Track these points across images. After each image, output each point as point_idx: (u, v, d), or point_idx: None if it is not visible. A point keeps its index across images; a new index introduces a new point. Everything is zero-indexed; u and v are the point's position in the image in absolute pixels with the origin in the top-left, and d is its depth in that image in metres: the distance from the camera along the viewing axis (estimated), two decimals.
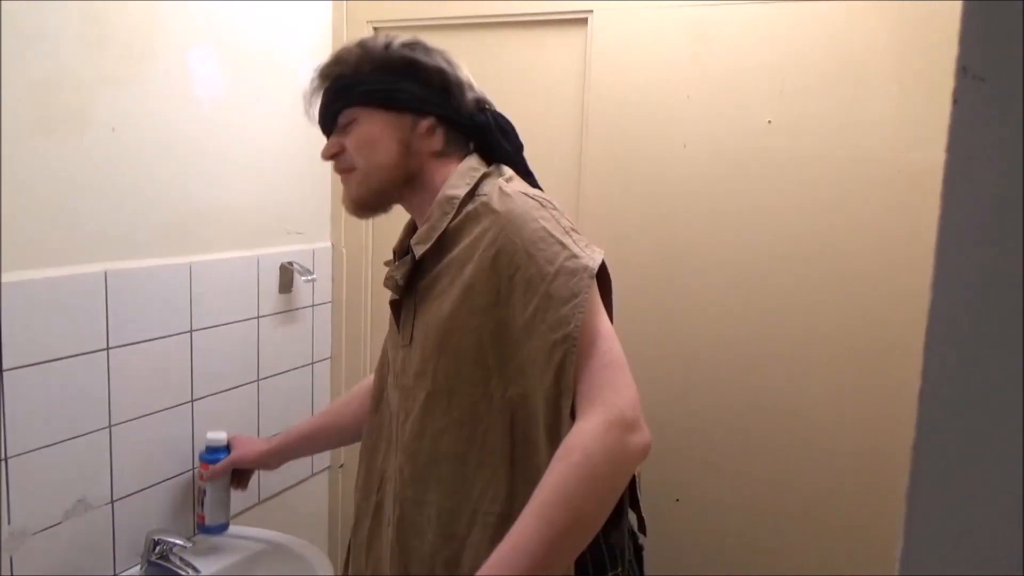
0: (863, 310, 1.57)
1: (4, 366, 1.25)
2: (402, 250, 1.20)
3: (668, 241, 1.71)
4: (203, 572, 1.48)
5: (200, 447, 1.62)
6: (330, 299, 2.02)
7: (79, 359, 1.37)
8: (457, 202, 1.07)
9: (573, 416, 0.96)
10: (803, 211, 1.60)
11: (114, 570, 1.47)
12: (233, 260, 1.70)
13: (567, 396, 0.95)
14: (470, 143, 1.15)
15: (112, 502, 1.45)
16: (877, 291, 1.56)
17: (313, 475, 2.00)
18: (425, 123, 1.10)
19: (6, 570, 1.28)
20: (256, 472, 1.64)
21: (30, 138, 1.28)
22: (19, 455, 1.28)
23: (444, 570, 1.06)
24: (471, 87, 1.15)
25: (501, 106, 1.84)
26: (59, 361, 1.33)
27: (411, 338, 1.11)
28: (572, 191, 1.78)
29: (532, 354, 0.98)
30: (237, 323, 1.72)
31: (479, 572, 0.87)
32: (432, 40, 1.96)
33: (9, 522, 1.27)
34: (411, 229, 1.19)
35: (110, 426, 1.43)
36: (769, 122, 1.60)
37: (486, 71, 1.86)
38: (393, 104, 1.09)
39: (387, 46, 1.10)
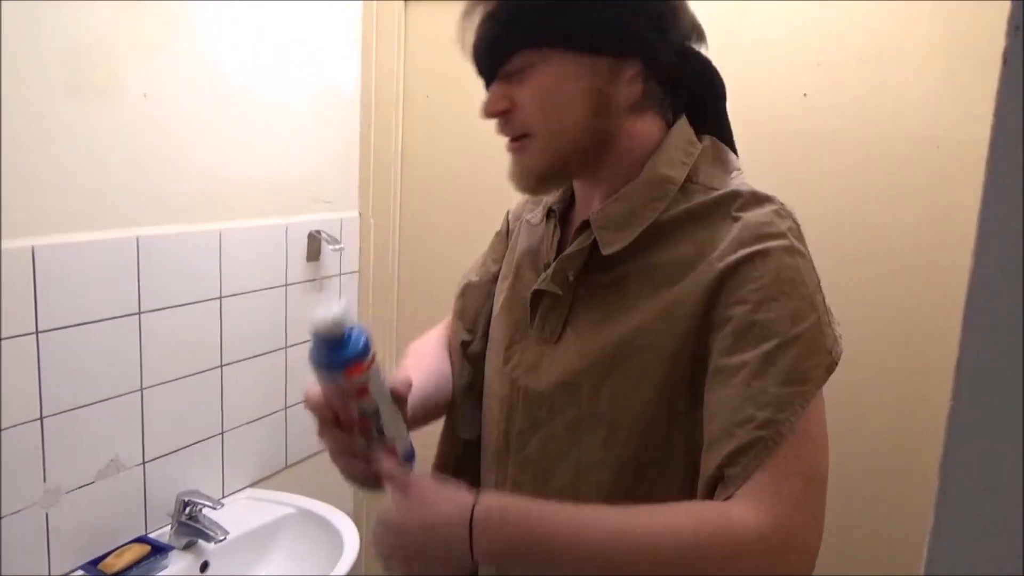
0: (900, 288, 1.54)
1: (39, 328, 1.27)
2: (561, 216, 0.92)
3: None
4: (231, 533, 1.51)
5: (230, 413, 1.65)
6: (357, 268, 2.03)
7: (112, 323, 1.39)
8: (674, 188, 0.81)
9: None
10: (839, 186, 1.57)
11: (145, 529, 1.50)
12: (262, 228, 1.71)
13: (728, 487, 0.71)
14: (671, 95, 0.85)
15: (144, 463, 1.49)
16: (914, 269, 1.53)
17: None
18: (628, 68, 0.79)
19: (42, 526, 1.31)
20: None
21: (63, 104, 1.29)
22: (54, 415, 1.31)
23: None
24: (685, 11, 0.84)
25: None
26: (92, 324, 1.35)
27: (560, 336, 0.85)
28: None
29: (714, 409, 0.74)
30: (265, 290, 1.73)
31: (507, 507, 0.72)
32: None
33: (45, 480, 1.31)
34: (571, 191, 0.93)
35: (142, 389, 1.46)
36: (805, 95, 1.57)
37: None
38: (588, 44, 0.78)
39: None
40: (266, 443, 1.78)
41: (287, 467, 1.86)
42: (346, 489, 2.10)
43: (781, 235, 0.76)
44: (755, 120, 1.61)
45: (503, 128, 0.84)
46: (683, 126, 0.85)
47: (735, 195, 0.80)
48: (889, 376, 1.56)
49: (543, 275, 0.87)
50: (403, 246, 2.03)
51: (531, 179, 0.84)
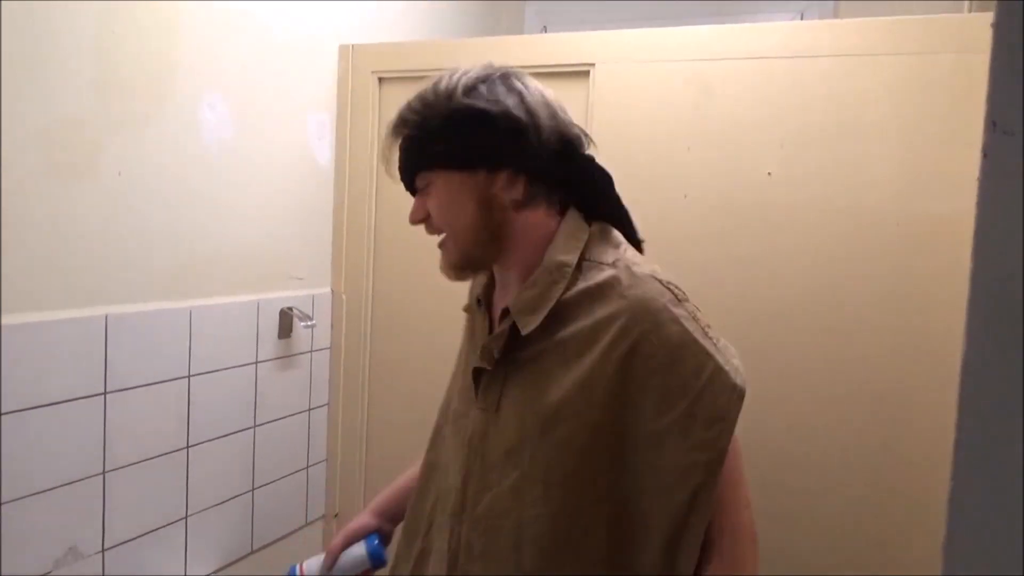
0: (862, 359, 1.57)
1: (1, 410, 1.23)
2: (487, 301, 1.10)
3: None
4: None
5: (195, 495, 1.60)
6: (329, 345, 2.01)
7: (76, 403, 1.35)
8: (569, 270, 0.97)
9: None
10: (803, 262, 1.61)
11: None
12: (233, 305, 1.69)
13: (701, 515, 0.92)
14: (559, 190, 1.03)
15: (103, 551, 1.42)
16: (876, 342, 1.56)
17: (307, 524, 1.97)
18: (502, 176, 0.99)
19: None
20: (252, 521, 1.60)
21: (37, 181, 1.28)
22: (11, 501, 1.26)
23: None
24: (555, 118, 1.01)
25: None
26: (56, 405, 1.32)
27: (498, 407, 1.01)
28: None
29: (662, 466, 0.93)
30: (236, 368, 1.70)
31: None
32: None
33: None
34: (492, 279, 1.11)
35: (104, 472, 1.41)
36: (769, 174, 1.62)
37: None
38: (465, 163, 0.99)
39: (449, 96, 0.99)
40: (232, 527, 1.72)
41: (253, 552, 1.79)
42: None
43: (663, 308, 0.93)
44: (722, 198, 1.66)
45: (427, 230, 1.05)
46: (572, 218, 1.03)
47: (617, 278, 0.96)
48: (856, 442, 1.57)
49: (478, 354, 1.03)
50: (375, 323, 2.02)
51: (452, 270, 1.04)
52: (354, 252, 2.01)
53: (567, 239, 1.00)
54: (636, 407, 0.93)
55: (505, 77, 1.01)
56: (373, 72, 1.97)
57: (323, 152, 1.96)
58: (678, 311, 0.94)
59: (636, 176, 1.72)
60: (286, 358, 1.86)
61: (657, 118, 1.70)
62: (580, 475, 0.95)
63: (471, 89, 0.99)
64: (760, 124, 1.62)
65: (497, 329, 1.01)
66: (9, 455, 1.25)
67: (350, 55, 1.98)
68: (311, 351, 1.94)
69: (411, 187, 1.06)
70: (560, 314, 0.96)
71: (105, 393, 1.40)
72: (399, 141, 1.03)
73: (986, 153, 0.25)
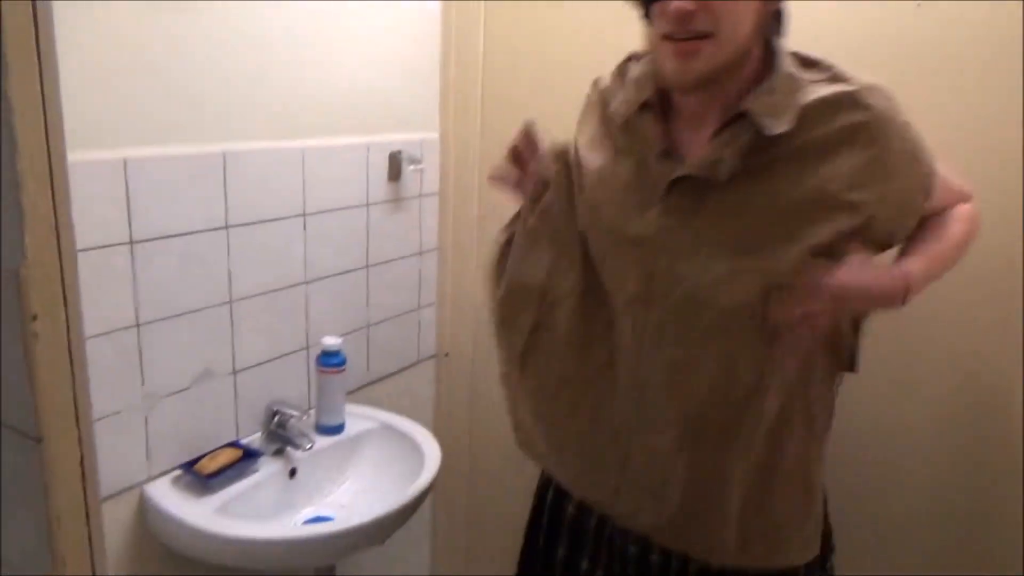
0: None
1: (133, 238, 1.32)
2: (650, 105, 1.08)
3: None
4: (317, 443, 1.57)
5: (314, 327, 1.69)
6: (437, 190, 2.02)
7: (201, 235, 1.42)
8: (803, 82, 1.02)
9: None
10: (956, 105, 1.44)
11: (236, 435, 1.57)
12: (343, 146, 1.71)
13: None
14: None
15: (234, 372, 1.54)
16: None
17: (419, 361, 2.06)
18: (772, 8, 1.02)
19: (141, 427, 1.39)
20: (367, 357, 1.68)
21: (147, 14, 1.29)
22: (149, 323, 1.36)
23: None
24: None
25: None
26: (182, 236, 1.39)
27: (697, 210, 1.03)
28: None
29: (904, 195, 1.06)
30: (347, 209, 1.74)
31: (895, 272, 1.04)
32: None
33: (143, 383, 1.37)
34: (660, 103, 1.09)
35: (231, 301, 1.50)
36: (918, 5, 1.43)
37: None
38: None
39: None
40: (350, 358, 1.80)
41: (370, 383, 1.90)
42: (426, 407, 2.15)
43: (900, 121, 1.04)
44: (865, 31, 1.49)
45: (683, 27, 0.95)
46: (781, 46, 1.05)
47: (854, 91, 1.01)
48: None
49: (685, 161, 1.04)
50: (484, 167, 2.00)
51: (697, 79, 0.99)
52: (462, 94, 1.97)
53: (783, 59, 1.04)
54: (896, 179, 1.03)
55: None
56: None
57: None
58: (902, 118, 1.04)
59: None
60: (396, 201, 1.89)
61: None
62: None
63: None
64: None
65: (725, 136, 1.01)
66: (143, 281, 1.34)
67: None
68: (420, 196, 1.96)
69: None
70: (799, 121, 0.99)
71: (227, 227, 1.47)
72: None
73: None
